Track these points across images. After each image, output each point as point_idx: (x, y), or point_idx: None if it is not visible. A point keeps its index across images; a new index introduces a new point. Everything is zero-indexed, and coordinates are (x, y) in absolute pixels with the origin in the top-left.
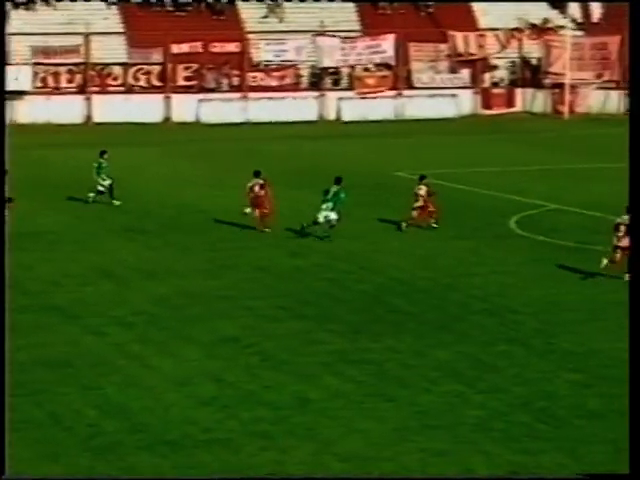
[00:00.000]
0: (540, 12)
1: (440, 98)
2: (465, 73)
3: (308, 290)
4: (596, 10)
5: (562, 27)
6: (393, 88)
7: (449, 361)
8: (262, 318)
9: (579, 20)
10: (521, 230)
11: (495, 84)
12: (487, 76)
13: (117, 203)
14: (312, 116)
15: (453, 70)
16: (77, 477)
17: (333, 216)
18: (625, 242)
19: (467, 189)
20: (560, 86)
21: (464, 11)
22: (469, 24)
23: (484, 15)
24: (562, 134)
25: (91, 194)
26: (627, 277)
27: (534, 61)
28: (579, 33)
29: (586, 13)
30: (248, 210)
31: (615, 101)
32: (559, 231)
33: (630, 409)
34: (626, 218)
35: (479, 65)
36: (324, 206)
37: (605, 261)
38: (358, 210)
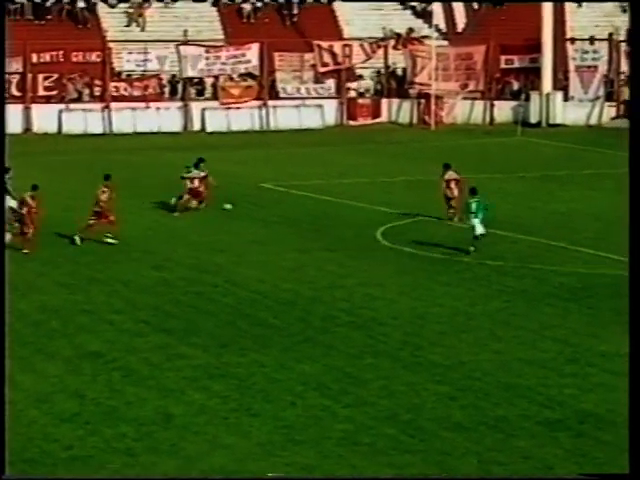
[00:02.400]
0: (405, 22)
1: (305, 108)
2: (330, 83)
3: (172, 304)
4: (460, 20)
5: (427, 37)
6: (258, 98)
7: (315, 374)
8: (125, 332)
9: (444, 30)
10: (388, 241)
11: (361, 94)
12: (352, 86)
13: None
14: (176, 127)
15: (318, 80)
16: (77, 477)
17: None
18: None
19: (333, 200)
20: (426, 96)
21: (329, 20)
22: (334, 34)
23: (349, 25)
24: (428, 145)
25: None
26: None
27: (399, 71)
28: (444, 43)
29: (451, 23)
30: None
31: (480, 111)
32: (426, 242)
33: (630, 409)
34: None
35: (344, 75)
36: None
37: None
38: (223, 222)
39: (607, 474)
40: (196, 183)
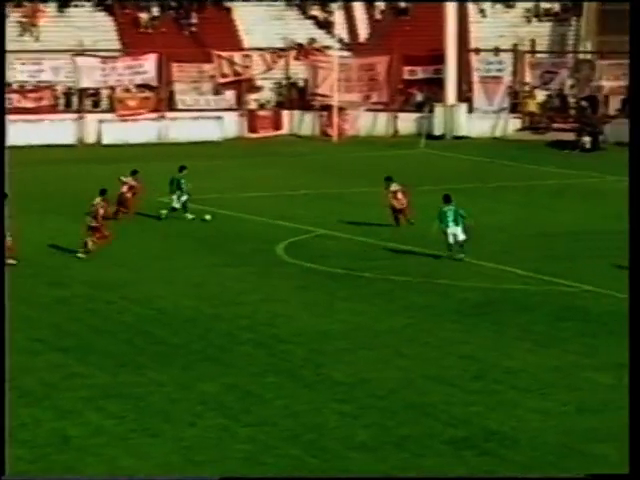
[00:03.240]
0: (306, 32)
1: (204, 120)
2: (230, 95)
3: (69, 321)
4: (363, 30)
5: (329, 47)
6: (155, 110)
7: (215, 394)
8: (19, 351)
9: (346, 40)
10: (289, 257)
11: (261, 106)
12: (253, 98)
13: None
14: (70, 139)
15: (217, 91)
16: (77, 477)
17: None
18: None
19: (234, 215)
20: (328, 108)
21: (228, 30)
22: (233, 44)
23: (249, 34)
24: (330, 157)
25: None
26: None
27: (301, 82)
28: (346, 54)
29: (353, 33)
30: None
31: (384, 123)
32: (328, 257)
33: (630, 409)
34: None
35: (244, 86)
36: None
37: None
38: (120, 237)
39: (607, 474)
40: (124, 189)
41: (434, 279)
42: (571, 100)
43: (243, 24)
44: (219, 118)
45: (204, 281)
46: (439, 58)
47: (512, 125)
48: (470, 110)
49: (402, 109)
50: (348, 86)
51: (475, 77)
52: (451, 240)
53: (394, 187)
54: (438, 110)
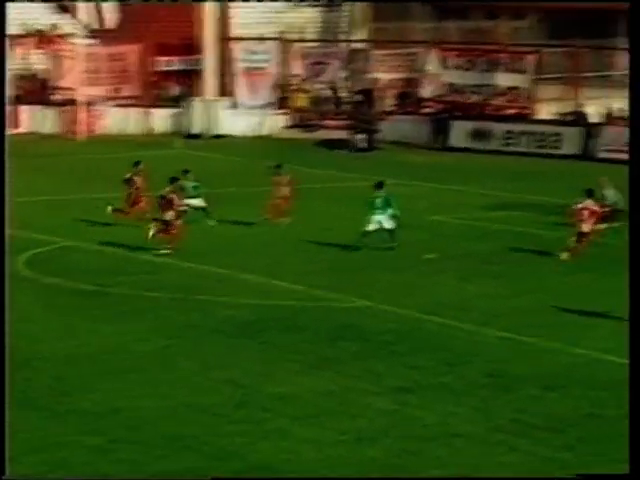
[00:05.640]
0: (47, 17)
1: None
2: None
3: None
4: (111, 16)
5: (73, 34)
6: None
7: None
8: None
9: (93, 27)
10: (30, 271)
11: None
12: None
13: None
14: None
15: None
16: (77, 477)
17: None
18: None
19: None
20: (72, 103)
21: None
22: None
23: None
24: (76, 159)
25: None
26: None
27: (42, 74)
28: (93, 42)
29: (100, 19)
30: None
31: (136, 120)
32: (75, 272)
33: (630, 409)
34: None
35: None
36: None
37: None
38: None
39: (607, 474)
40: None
41: (195, 295)
42: (344, 94)
43: None
44: None
45: None
46: (197, 47)
47: (279, 122)
48: (233, 106)
49: (156, 104)
50: (95, 78)
51: (238, 69)
52: (371, 228)
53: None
54: (196, 105)
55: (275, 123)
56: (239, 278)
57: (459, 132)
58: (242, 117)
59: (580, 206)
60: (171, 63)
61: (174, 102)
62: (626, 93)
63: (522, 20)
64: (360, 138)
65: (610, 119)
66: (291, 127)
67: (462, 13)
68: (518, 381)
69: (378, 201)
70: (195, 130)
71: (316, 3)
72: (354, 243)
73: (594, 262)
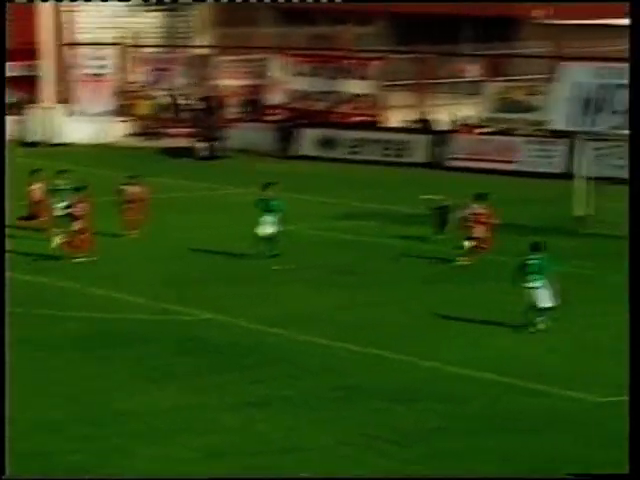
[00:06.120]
0: None
1: None
2: None
3: None
4: None
5: None
6: None
7: None
8: None
9: None
10: None
11: None
12: None
13: None
14: None
15: None
16: (77, 477)
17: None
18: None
19: None
20: None
21: None
22: None
23: None
24: None
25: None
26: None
27: None
28: None
29: None
30: None
31: None
32: None
33: (630, 409)
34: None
35: None
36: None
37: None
38: None
39: (607, 474)
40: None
41: (33, 309)
42: (188, 101)
43: None
44: None
45: None
46: (34, 52)
47: (122, 130)
48: (72, 113)
49: None
50: None
51: (78, 75)
52: (263, 231)
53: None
54: (33, 113)
55: (117, 131)
56: (83, 291)
57: (306, 140)
58: (83, 125)
59: (469, 212)
60: (11, 68)
61: (14, 109)
62: (474, 100)
63: (369, 26)
64: (204, 146)
65: (458, 126)
66: (134, 135)
67: (308, 19)
68: (366, 394)
69: (271, 204)
70: (34, 138)
71: (159, 8)
72: (197, 255)
73: (448, 274)
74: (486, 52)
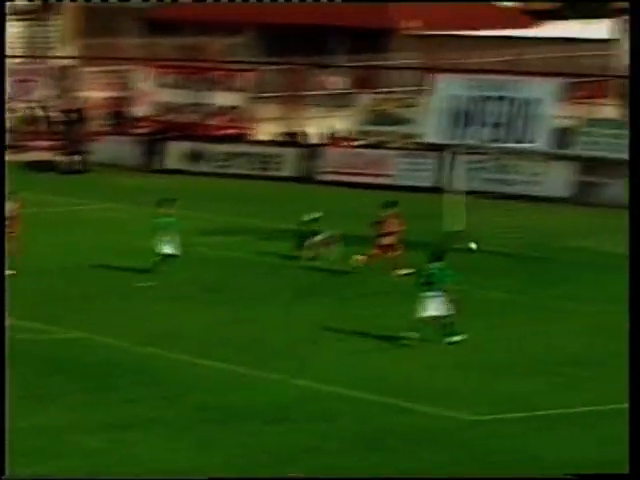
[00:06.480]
0: None
1: None
2: None
3: None
4: None
5: None
6: None
7: None
8: None
9: None
10: None
11: None
12: None
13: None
14: None
15: None
16: (77, 477)
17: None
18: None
19: None
20: None
21: None
22: None
23: None
24: None
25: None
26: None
27: None
28: None
29: None
30: None
31: None
32: None
33: (630, 409)
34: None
35: None
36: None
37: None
38: None
39: (607, 474)
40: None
41: None
42: (53, 113)
43: None
44: None
45: None
46: None
47: None
48: None
49: None
50: None
51: None
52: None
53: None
54: None
55: None
56: None
57: (175, 153)
58: None
59: (381, 219)
60: None
61: None
62: (345, 113)
63: (237, 36)
64: (67, 160)
65: (331, 140)
66: None
67: (175, 29)
68: (237, 415)
69: (165, 222)
70: None
71: (23, 17)
72: (61, 272)
73: (320, 290)
74: (358, 64)
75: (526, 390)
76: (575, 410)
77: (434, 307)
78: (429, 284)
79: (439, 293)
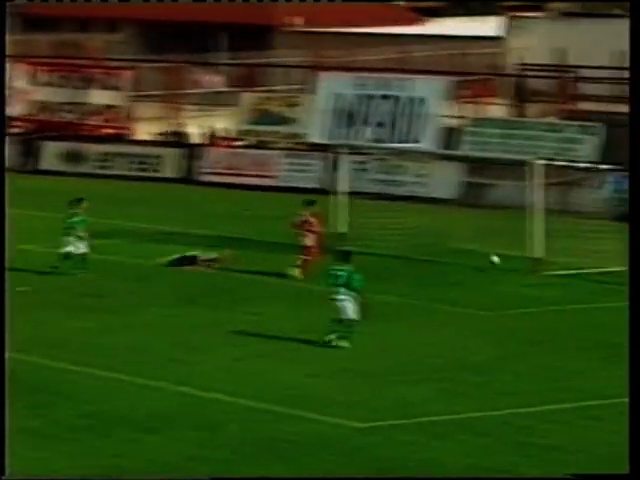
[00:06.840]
0: None
1: None
2: None
3: None
4: None
5: None
6: None
7: None
8: None
9: None
10: None
11: None
12: None
13: None
14: None
15: None
16: (77, 477)
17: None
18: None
19: None
20: None
21: None
22: None
23: None
24: None
25: None
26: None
27: None
28: None
29: None
30: None
31: None
32: None
33: (630, 409)
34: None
35: None
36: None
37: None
38: None
39: (607, 474)
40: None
41: None
42: None
43: None
44: None
45: None
46: None
47: None
48: None
49: None
50: None
51: None
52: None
53: None
54: None
55: None
56: None
57: (51, 154)
58: None
59: (301, 219)
60: None
61: None
62: (228, 112)
63: (116, 33)
64: None
65: (212, 139)
66: None
67: (52, 25)
68: (116, 423)
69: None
70: None
71: None
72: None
73: (203, 296)
74: (240, 61)
75: (415, 396)
76: (465, 416)
77: (351, 310)
78: (337, 285)
79: (348, 297)
